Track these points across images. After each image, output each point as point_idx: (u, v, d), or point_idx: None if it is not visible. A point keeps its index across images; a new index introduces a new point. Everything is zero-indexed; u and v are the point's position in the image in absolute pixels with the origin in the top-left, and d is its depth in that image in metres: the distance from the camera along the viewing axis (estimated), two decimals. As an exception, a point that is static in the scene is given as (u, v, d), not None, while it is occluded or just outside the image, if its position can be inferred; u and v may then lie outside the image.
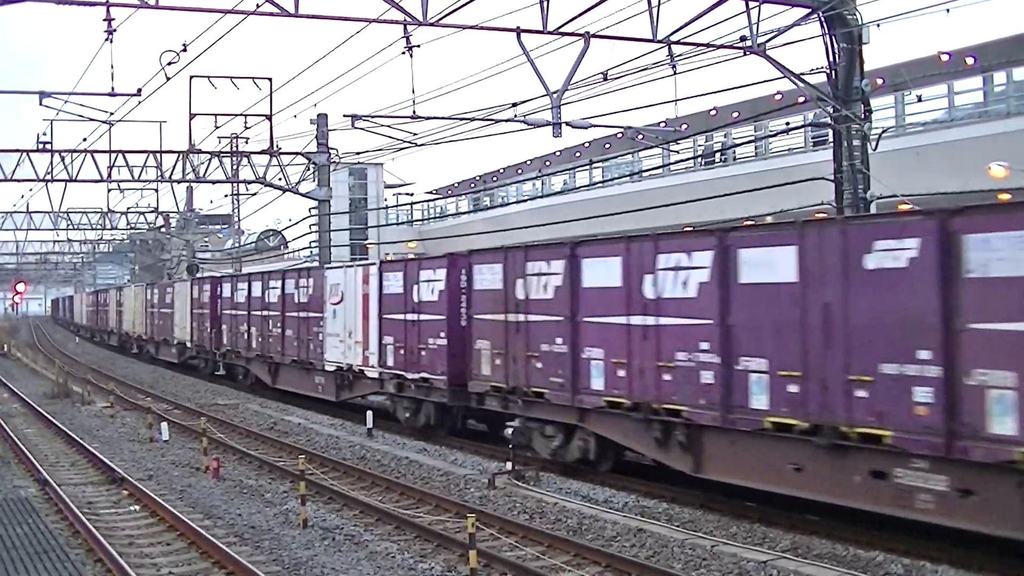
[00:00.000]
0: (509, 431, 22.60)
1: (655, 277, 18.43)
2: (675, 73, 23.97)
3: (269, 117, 37.66)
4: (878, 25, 22.12)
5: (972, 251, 13.36)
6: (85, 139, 40.41)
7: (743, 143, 45.81)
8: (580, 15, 22.28)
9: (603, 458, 20.85)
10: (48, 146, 39.65)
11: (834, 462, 15.35)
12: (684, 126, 40.16)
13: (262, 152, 40.64)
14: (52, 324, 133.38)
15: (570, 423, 20.98)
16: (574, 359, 20.34)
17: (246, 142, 41.94)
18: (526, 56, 23.14)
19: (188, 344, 49.18)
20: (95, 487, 21.43)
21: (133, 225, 70.81)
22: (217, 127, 40.22)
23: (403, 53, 23.66)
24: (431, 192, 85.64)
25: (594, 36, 22.63)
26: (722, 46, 23.00)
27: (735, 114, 45.42)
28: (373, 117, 31.05)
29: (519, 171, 75.07)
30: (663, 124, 36.60)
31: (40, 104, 33.29)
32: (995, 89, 37.01)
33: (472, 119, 29.93)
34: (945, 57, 36.65)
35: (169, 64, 25.69)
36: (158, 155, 42.33)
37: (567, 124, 25.87)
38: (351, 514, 18.79)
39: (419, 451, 25.10)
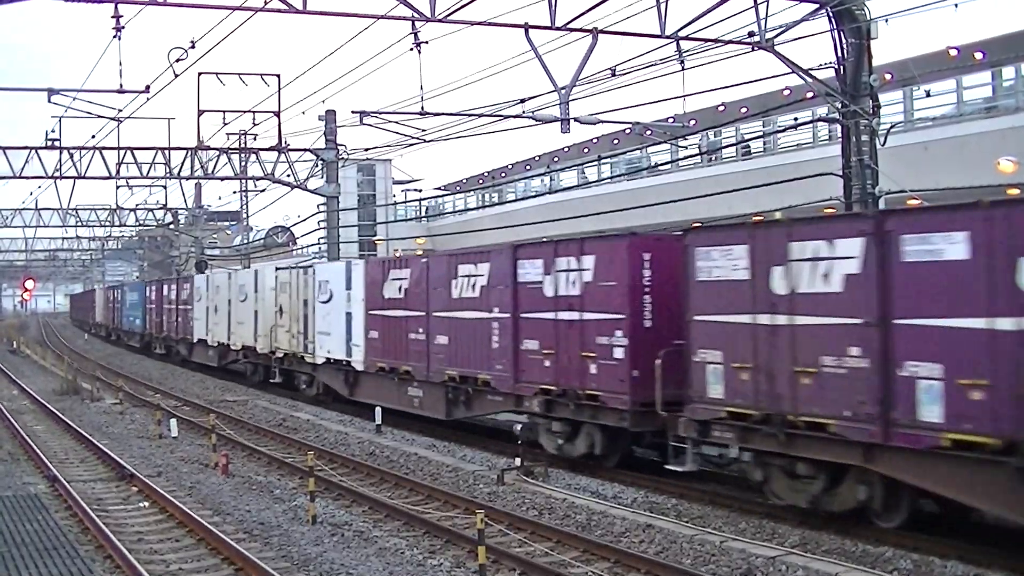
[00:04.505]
0: (518, 427, 22.56)
1: None
2: (683, 69, 23.96)
3: (277, 114, 37.65)
4: (886, 20, 22.06)
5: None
6: (94, 136, 40.58)
7: (751, 139, 45.68)
8: (588, 11, 22.26)
9: (893, 509, 15.72)
10: (57, 143, 39.71)
11: None
12: (692, 122, 40.11)
13: (270, 149, 40.65)
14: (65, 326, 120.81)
15: (848, 463, 15.87)
16: (885, 377, 14.92)
17: (254, 139, 41.94)
18: (534, 52, 23.13)
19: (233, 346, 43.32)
20: (104, 483, 21.49)
21: (142, 222, 70.85)
22: (226, 124, 40.25)
23: (411, 49, 23.65)
24: (439, 188, 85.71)
25: (602, 32, 22.61)
26: (730, 42, 22.96)
27: (743, 110, 45.34)
28: (381, 113, 31.05)
29: (527, 167, 75.05)
30: (671, 120, 36.53)
31: (49, 101, 33.41)
32: (1004, 84, 36.89)
33: (480, 115, 29.95)
34: (954, 52, 36.55)
35: (177, 61, 25.76)
36: (167, 152, 42.38)
37: (575, 120, 25.85)
38: (360, 510, 18.82)
39: (428, 447, 25.11)
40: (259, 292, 39.92)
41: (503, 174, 78.34)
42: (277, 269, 39.38)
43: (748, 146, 45.07)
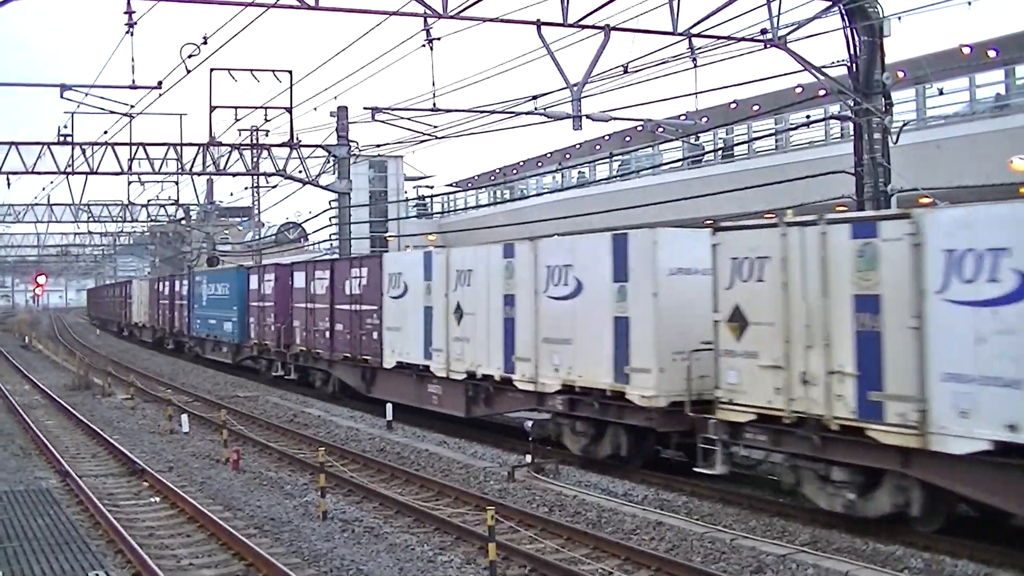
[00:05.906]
0: (529, 424, 22.53)
1: None
2: (695, 66, 23.93)
3: (289, 110, 37.69)
4: (899, 18, 22.03)
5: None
6: (106, 132, 40.67)
7: (762, 136, 45.63)
8: (600, 8, 22.26)
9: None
10: (69, 139, 39.82)
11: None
12: (704, 119, 40.08)
13: (282, 145, 40.63)
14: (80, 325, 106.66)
15: None
16: None
17: (266, 135, 41.99)
18: (546, 49, 23.12)
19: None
20: (116, 479, 21.53)
21: (153, 218, 71.12)
22: (237, 120, 40.24)
23: (423, 46, 23.66)
24: (451, 184, 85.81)
25: (614, 29, 22.61)
26: (743, 39, 22.93)
27: (755, 107, 45.28)
28: (393, 110, 31.08)
29: (539, 164, 75.08)
30: (683, 117, 36.52)
31: (61, 97, 33.61)
32: (1017, 82, 36.78)
33: (492, 112, 29.95)
34: (967, 50, 36.46)
35: (189, 57, 25.84)
36: (178, 148, 42.37)
37: (587, 117, 25.85)
38: (370, 506, 18.82)
39: (438, 443, 25.08)
40: (632, 280, 20.26)
41: (515, 171, 78.37)
42: (716, 231, 18.05)
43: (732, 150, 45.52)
